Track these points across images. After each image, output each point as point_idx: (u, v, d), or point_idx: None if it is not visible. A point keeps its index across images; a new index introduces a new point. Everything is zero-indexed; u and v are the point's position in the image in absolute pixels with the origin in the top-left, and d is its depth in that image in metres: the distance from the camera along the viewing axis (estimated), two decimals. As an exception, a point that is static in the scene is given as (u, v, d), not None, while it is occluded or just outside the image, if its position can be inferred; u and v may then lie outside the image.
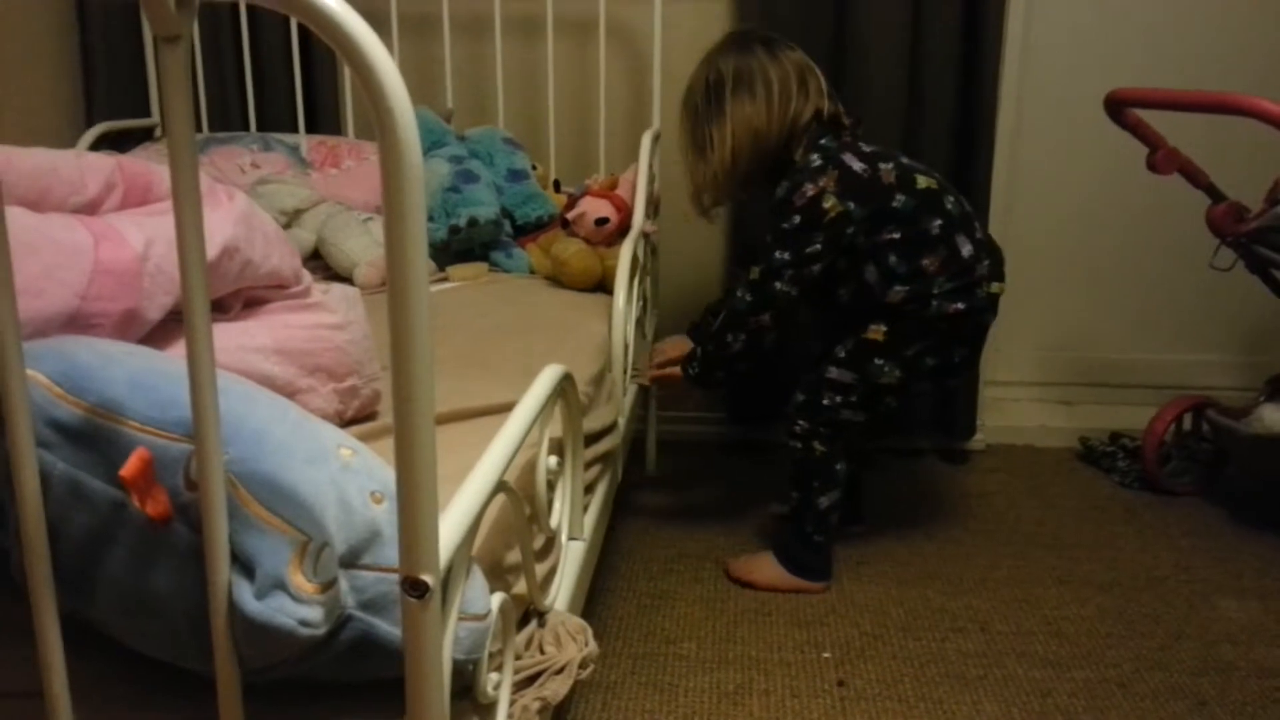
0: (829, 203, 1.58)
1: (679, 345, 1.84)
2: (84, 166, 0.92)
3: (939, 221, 1.62)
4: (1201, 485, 2.14)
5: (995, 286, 1.66)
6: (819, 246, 1.60)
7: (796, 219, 1.59)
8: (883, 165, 1.62)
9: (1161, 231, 2.44)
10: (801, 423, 1.69)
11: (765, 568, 1.74)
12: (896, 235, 1.60)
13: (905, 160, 1.66)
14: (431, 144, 2.04)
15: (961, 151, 2.15)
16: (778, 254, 1.61)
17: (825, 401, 1.67)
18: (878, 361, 1.64)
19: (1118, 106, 1.96)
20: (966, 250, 1.63)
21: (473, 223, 1.92)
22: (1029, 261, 2.48)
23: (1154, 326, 2.52)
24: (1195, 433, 2.17)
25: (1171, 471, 2.15)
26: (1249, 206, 1.95)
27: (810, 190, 1.59)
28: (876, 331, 1.64)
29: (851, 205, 1.59)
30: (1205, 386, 2.37)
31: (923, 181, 1.64)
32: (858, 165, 1.61)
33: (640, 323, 1.86)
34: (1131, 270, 2.49)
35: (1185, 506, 2.08)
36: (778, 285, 1.62)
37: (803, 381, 1.70)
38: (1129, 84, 1.97)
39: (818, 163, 1.61)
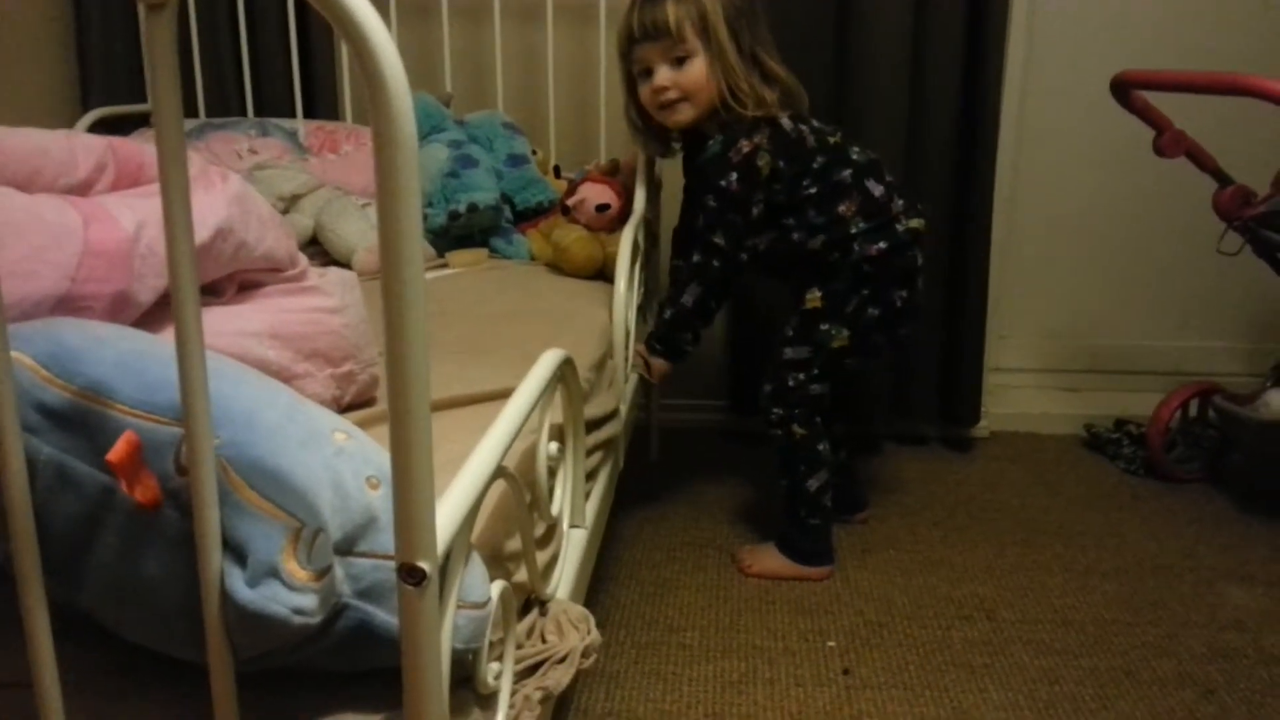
0: (763, 160, 1.60)
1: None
2: (75, 147, 0.90)
3: (848, 171, 1.65)
4: (1207, 472, 2.13)
5: (914, 222, 1.68)
6: (761, 206, 1.63)
7: (734, 176, 1.60)
8: (802, 126, 1.65)
9: (1167, 216, 2.42)
10: (776, 410, 1.69)
11: (768, 558, 1.74)
12: (813, 190, 1.64)
13: (815, 123, 1.68)
14: (431, 129, 2.02)
15: (965, 137, 2.13)
16: (731, 216, 1.62)
17: (790, 383, 1.68)
18: (823, 327, 1.66)
19: (1124, 89, 1.94)
20: (878, 192, 1.66)
21: (472, 208, 1.90)
22: (1033, 247, 2.46)
23: (1160, 312, 2.50)
24: (1201, 419, 2.16)
25: (1177, 458, 2.14)
26: (1256, 190, 1.93)
27: (745, 147, 1.59)
28: (814, 299, 1.67)
29: (781, 163, 1.61)
30: (1211, 372, 2.35)
31: (832, 140, 1.67)
32: (787, 123, 1.63)
33: (642, 309, 1.85)
34: (1137, 256, 2.48)
35: (1191, 493, 2.07)
36: (743, 256, 1.65)
37: (766, 371, 1.71)
38: (1134, 66, 1.95)
39: (751, 115, 1.60)
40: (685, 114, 1.64)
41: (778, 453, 1.72)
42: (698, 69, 1.60)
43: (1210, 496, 2.05)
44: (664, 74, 1.61)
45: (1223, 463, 2.12)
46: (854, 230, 1.63)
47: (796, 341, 1.68)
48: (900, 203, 1.67)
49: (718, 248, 1.63)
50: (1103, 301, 2.51)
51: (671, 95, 1.62)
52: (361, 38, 0.47)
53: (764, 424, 1.72)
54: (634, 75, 1.68)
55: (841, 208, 1.63)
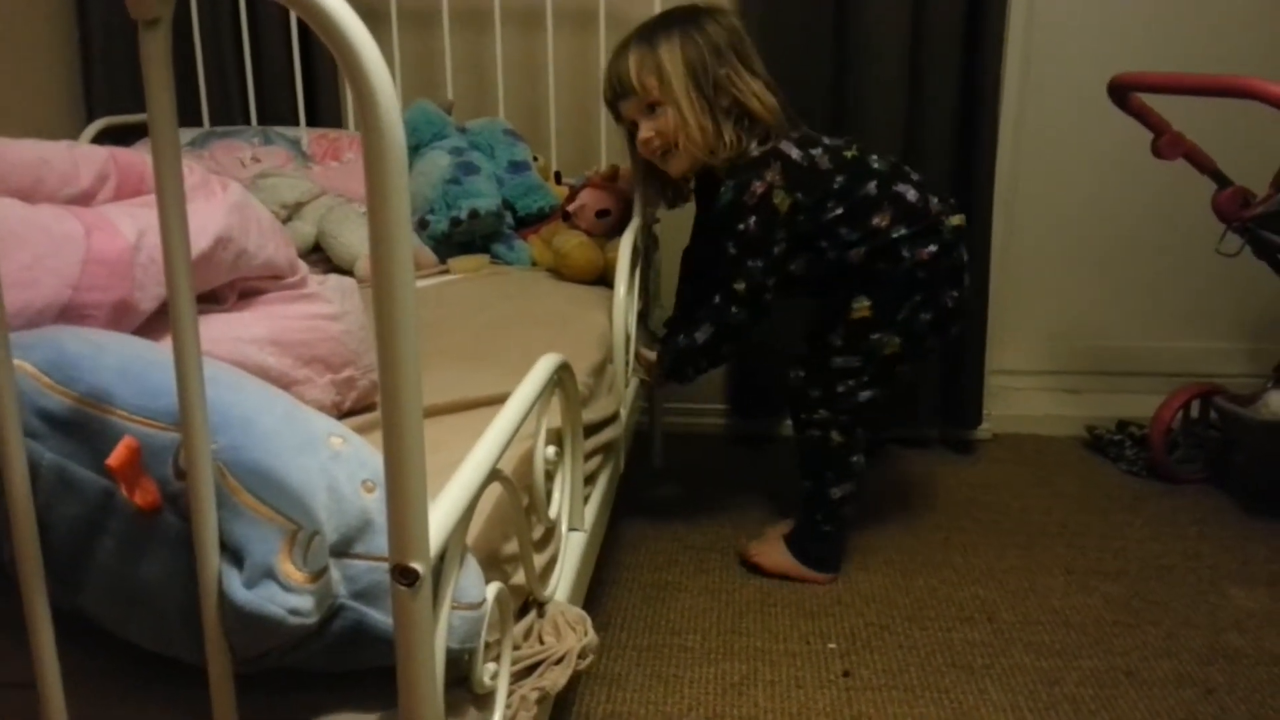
0: (779, 198, 1.56)
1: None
2: (77, 158, 0.91)
3: (873, 183, 1.61)
4: (1209, 473, 2.13)
5: (955, 219, 1.65)
6: (785, 244, 1.59)
7: (753, 220, 1.57)
8: (813, 150, 1.61)
9: (1167, 218, 2.42)
10: (822, 410, 1.66)
11: (775, 553, 1.74)
12: (840, 211, 1.60)
13: (828, 140, 1.64)
14: (432, 136, 2.03)
15: (964, 139, 2.14)
16: (751, 263, 1.58)
17: (840, 389, 1.65)
18: (874, 336, 1.63)
19: (1122, 91, 1.94)
20: (911, 195, 1.62)
21: (474, 215, 1.91)
22: (1034, 249, 2.47)
23: (1160, 313, 2.51)
24: (1203, 420, 2.16)
25: (1179, 459, 2.14)
26: (1255, 192, 1.93)
27: (759, 187, 1.56)
28: (861, 308, 1.62)
29: (799, 195, 1.58)
30: (1212, 373, 2.35)
31: (848, 154, 1.63)
32: (795, 153, 1.59)
33: (642, 315, 1.85)
34: (1137, 257, 2.48)
35: (1193, 494, 2.07)
36: (767, 297, 1.61)
37: (809, 375, 1.67)
38: (1133, 68, 1.95)
39: (756, 153, 1.59)
40: (680, 162, 1.63)
41: (807, 454, 1.70)
42: (670, 116, 1.58)
43: (1212, 497, 2.05)
44: (645, 127, 1.61)
45: (1224, 463, 2.12)
46: (895, 236, 1.60)
47: (846, 351, 1.64)
48: (936, 201, 1.64)
49: (738, 295, 1.60)
50: (1103, 303, 2.51)
51: (657, 144, 1.61)
52: (345, 44, 0.48)
53: (803, 422, 1.69)
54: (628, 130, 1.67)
55: (875, 220, 1.60)
